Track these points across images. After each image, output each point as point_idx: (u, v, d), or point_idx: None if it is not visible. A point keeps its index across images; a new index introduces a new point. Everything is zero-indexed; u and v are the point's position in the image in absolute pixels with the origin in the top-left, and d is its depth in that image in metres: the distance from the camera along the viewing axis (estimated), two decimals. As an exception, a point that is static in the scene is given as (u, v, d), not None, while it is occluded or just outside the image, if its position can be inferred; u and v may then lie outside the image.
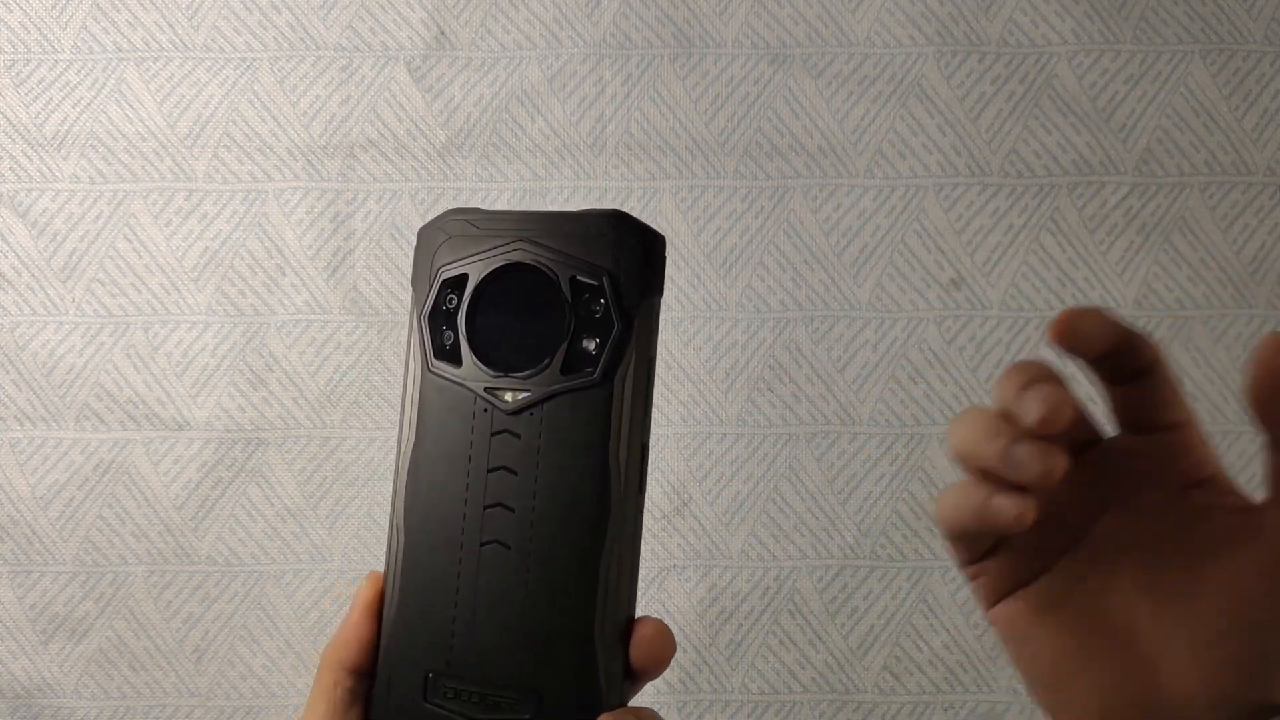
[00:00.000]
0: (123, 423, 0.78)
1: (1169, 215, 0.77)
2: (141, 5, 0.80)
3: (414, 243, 0.34)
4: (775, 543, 0.76)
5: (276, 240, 0.79)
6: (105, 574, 0.77)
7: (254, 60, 0.80)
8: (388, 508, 0.33)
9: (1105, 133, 0.77)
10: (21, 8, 0.81)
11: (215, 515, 0.77)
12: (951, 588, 0.75)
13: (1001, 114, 0.78)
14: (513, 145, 0.79)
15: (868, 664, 0.75)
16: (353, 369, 0.78)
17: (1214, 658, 0.26)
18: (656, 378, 0.76)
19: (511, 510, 0.31)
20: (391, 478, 0.33)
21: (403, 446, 0.32)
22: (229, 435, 0.77)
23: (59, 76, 0.80)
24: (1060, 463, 0.25)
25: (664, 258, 0.32)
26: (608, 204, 0.77)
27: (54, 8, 0.81)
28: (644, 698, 0.74)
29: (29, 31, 0.80)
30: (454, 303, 0.32)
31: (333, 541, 0.77)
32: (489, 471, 0.31)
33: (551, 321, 0.31)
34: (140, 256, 0.79)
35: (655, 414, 0.76)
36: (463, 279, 0.32)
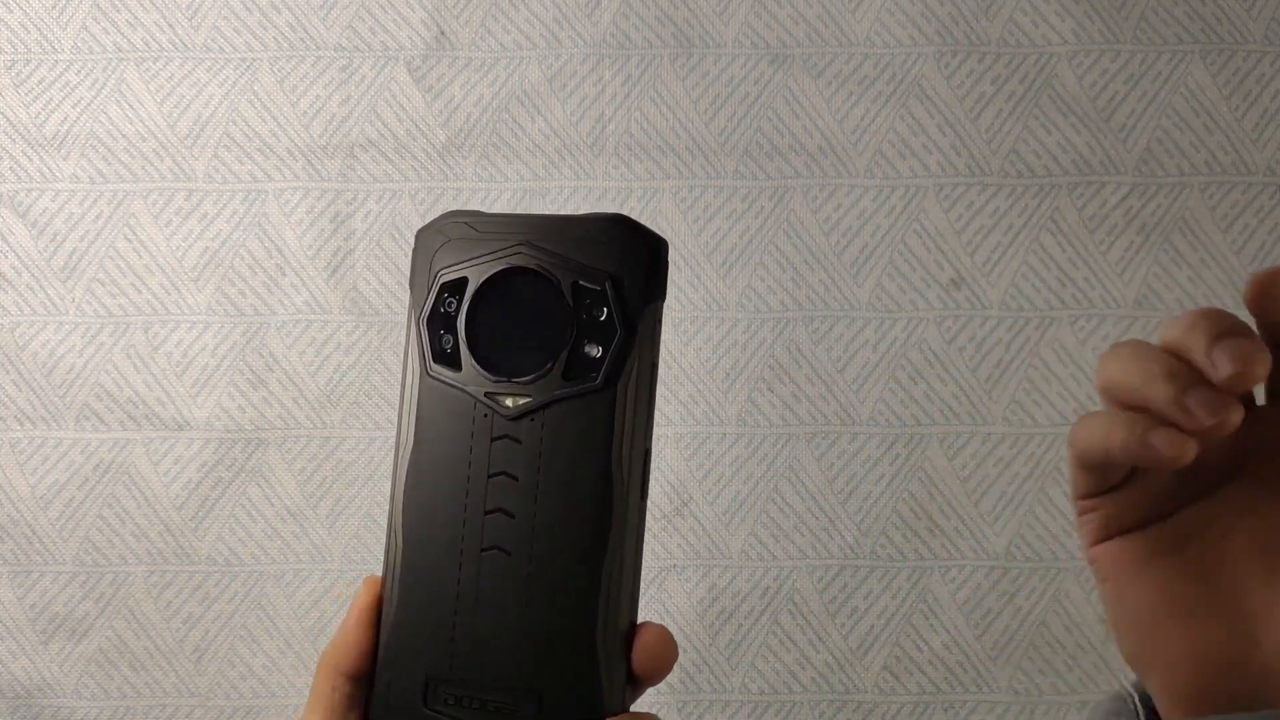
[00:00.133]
0: (123, 423, 0.78)
1: (1169, 215, 0.77)
2: (141, 5, 0.80)
3: (414, 243, 0.33)
4: (775, 543, 0.76)
5: (276, 240, 0.79)
6: (105, 574, 0.77)
7: (254, 60, 0.80)
8: (387, 512, 0.33)
9: (1105, 133, 0.77)
10: (21, 8, 0.80)
11: (215, 515, 0.77)
12: (951, 588, 0.75)
13: (1001, 114, 0.78)
14: (513, 145, 0.79)
15: (868, 664, 0.75)
16: (353, 369, 0.78)
17: None
18: (659, 373, 0.76)
19: (512, 516, 0.30)
20: (390, 483, 0.33)
21: (401, 450, 0.32)
22: (229, 435, 0.77)
23: (59, 76, 0.80)
24: (1236, 416, 0.25)
25: (667, 263, 0.32)
26: (608, 205, 0.77)
27: (54, 8, 0.80)
28: (645, 698, 0.74)
29: (29, 31, 0.80)
30: (454, 306, 0.32)
31: (333, 541, 0.77)
32: (489, 477, 0.31)
33: (553, 327, 0.31)
34: (140, 256, 0.79)
35: (655, 414, 0.76)
36: (462, 282, 0.32)
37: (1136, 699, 0.31)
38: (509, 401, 0.31)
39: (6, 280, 0.79)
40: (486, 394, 0.31)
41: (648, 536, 0.76)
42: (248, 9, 0.80)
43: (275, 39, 0.80)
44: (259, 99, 0.80)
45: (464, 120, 0.79)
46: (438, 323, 0.32)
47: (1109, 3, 0.78)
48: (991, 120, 0.78)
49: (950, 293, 0.77)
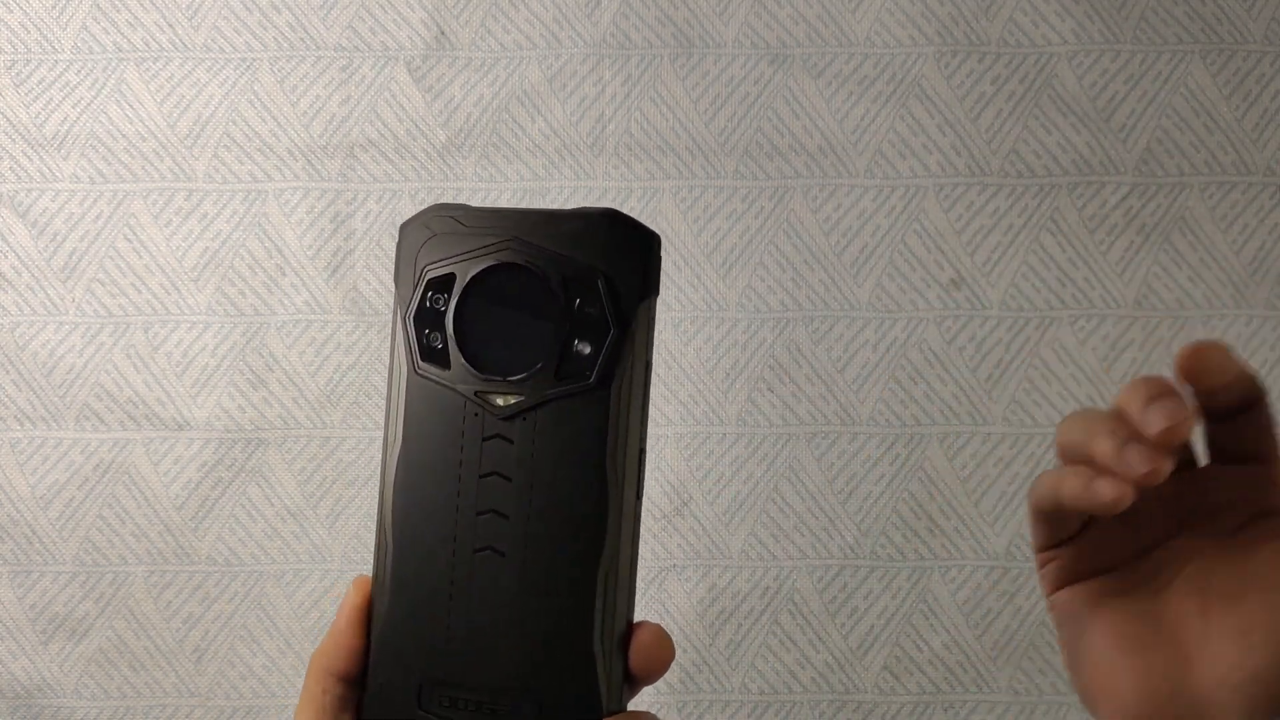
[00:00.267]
0: (123, 423, 0.78)
1: (1169, 215, 0.77)
2: (141, 5, 0.80)
3: (398, 237, 0.32)
4: (775, 543, 0.76)
5: (276, 240, 0.79)
6: (105, 574, 0.77)
7: (254, 60, 0.80)
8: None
9: (1105, 133, 0.77)
10: (21, 8, 0.81)
11: (215, 515, 0.77)
12: (951, 588, 0.75)
13: (1001, 114, 0.78)
14: (513, 145, 0.79)
15: (868, 664, 0.75)
16: (353, 369, 0.78)
17: (1249, 647, 0.29)
18: (657, 378, 0.76)
19: (506, 517, 0.30)
20: (379, 483, 0.33)
21: (389, 450, 0.31)
22: (229, 435, 0.77)
23: (59, 76, 0.80)
24: (1166, 466, 0.28)
25: (660, 258, 0.31)
26: (607, 204, 0.77)
27: (54, 8, 0.81)
28: (644, 697, 0.74)
29: (29, 31, 0.80)
30: (441, 303, 0.31)
31: (333, 541, 0.77)
32: (481, 477, 0.30)
33: (544, 324, 0.30)
34: (140, 256, 0.79)
35: (655, 414, 0.76)
36: (449, 279, 0.31)
37: None
38: (500, 400, 0.31)
39: (6, 280, 0.79)
40: (476, 393, 0.31)
41: (648, 536, 0.76)
42: (248, 9, 0.80)
43: (275, 39, 0.80)
44: (259, 99, 0.80)
45: (464, 120, 0.79)
46: (425, 320, 0.31)
47: (1109, 3, 0.78)
48: (991, 120, 0.78)
49: (950, 293, 0.77)
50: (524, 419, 0.30)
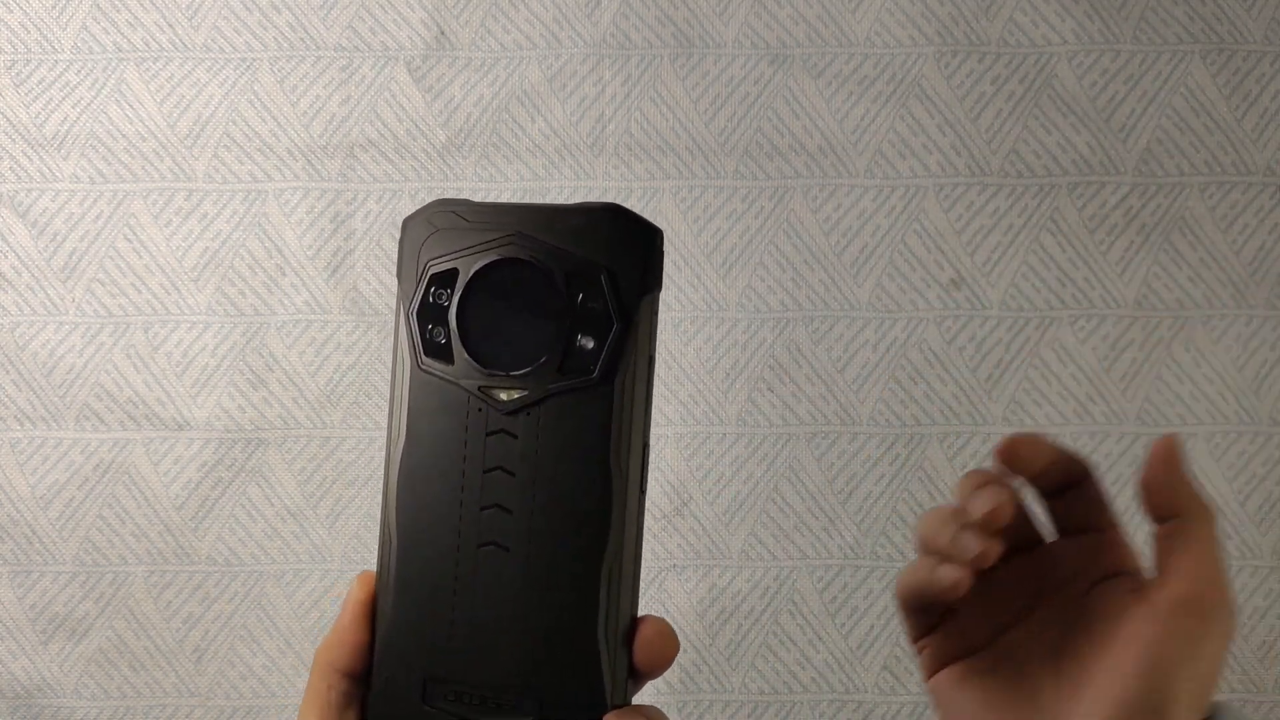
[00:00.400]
0: (123, 423, 0.78)
1: (1169, 215, 0.77)
2: (141, 5, 0.80)
3: (400, 233, 0.32)
4: (775, 543, 0.76)
5: (276, 240, 0.79)
6: (105, 574, 0.77)
7: (254, 60, 0.80)
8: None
9: (1105, 133, 0.77)
10: (21, 8, 0.81)
11: (215, 515, 0.77)
12: (951, 588, 0.75)
13: (1001, 114, 0.78)
14: (513, 145, 0.79)
15: (868, 664, 0.75)
16: (353, 369, 0.78)
17: (1101, 710, 0.31)
18: (657, 378, 0.76)
19: (510, 512, 0.30)
20: (382, 479, 0.33)
21: (393, 446, 0.31)
22: (229, 435, 0.77)
23: (59, 76, 0.80)
24: (995, 548, 0.31)
25: (662, 252, 0.31)
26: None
27: (54, 8, 0.81)
28: (643, 697, 0.74)
29: (29, 31, 0.80)
30: (444, 298, 0.31)
31: (333, 541, 0.77)
32: (485, 472, 0.30)
33: (548, 319, 0.30)
34: (140, 256, 0.79)
35: (655, 414, 0.76)
36: (453, 274, 0.31)
37: None
38: (503, 395, 0.30)
39: (6, 280, 0.79)
40: (480, 388, 0.31)
41: (647, 536, 0.76)
42: (248, 9, 0.80)
43: (275, 39, 0.80)
44: (259, 99, 0.80)
45: (464, 120, 0.79)
46: (428, 315, 0.31)
47: (1109, 3, 0.78)
48: (991, 120, 0.78)
49: (950, 293, 0.77)
50: (527, 414, 0.30)
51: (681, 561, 0.76)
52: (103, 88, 0.80)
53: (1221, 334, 0.76)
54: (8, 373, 0.78)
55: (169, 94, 0.80)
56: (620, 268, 0.30)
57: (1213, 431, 0.75)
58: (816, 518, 0.76)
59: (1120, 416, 0.75)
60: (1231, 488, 0.75)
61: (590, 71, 0.79)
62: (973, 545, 0.31)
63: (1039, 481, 0.34)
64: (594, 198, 0.78)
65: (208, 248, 0.79)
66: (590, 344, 0.30)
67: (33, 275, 0.79)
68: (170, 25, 0.80)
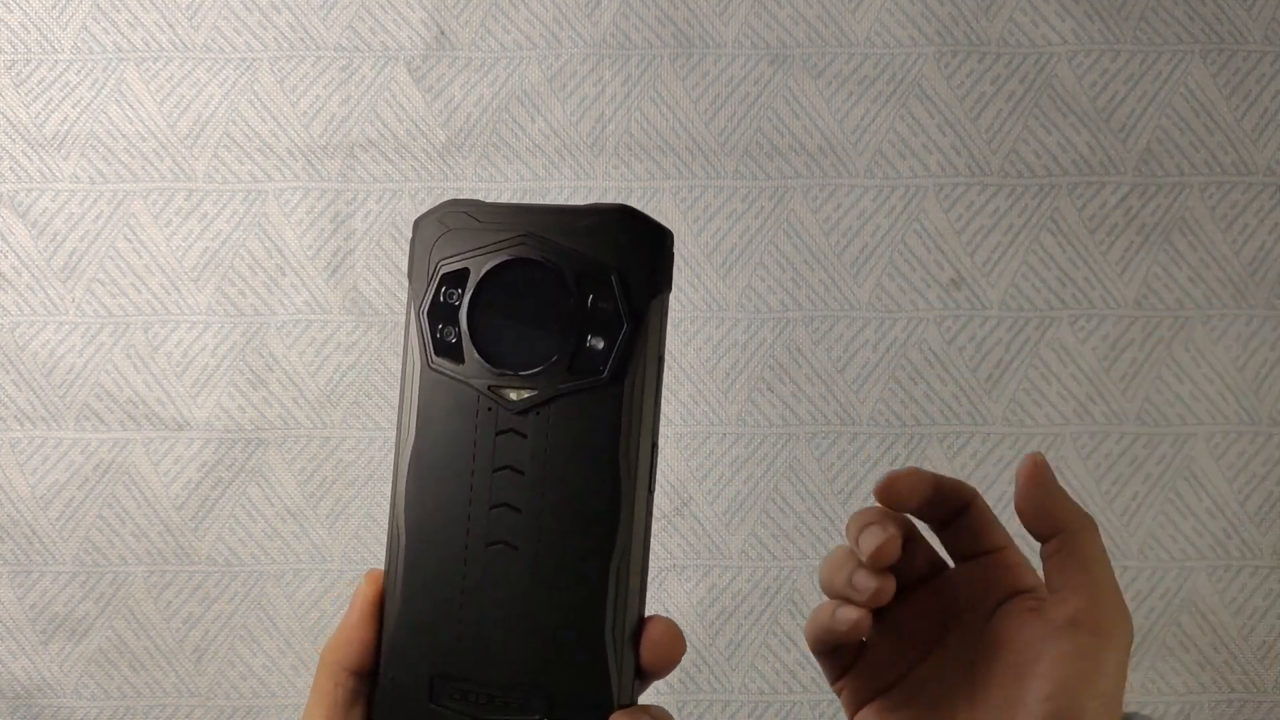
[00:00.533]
0: (123, 423, 0.78)
1: (1169, 215, 0.77)
2: (141, 5, 0.80)
3: (412, 233, 0.33)
4: (775, 543, 0.76)
5: (276, 240, 0.79)
6: (105, 574, 0.77)
7: (254, 60, 0.80)
8: (388, 507, 0.32)
9: (1105, 133, 0.77)
10: (21, 8, 0.81)
11: (215, 515, 0.77)
12: (951, 588, 0.75)
13: (1001, 114, 0.78)
14: (513, 145, 0.79)
15: (868, 664, 0.75)
16: (353, 369, 0.78)
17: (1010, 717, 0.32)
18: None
19: (518, 511, 0.30)
20: (391, 477, 0.33)
21: (402, 444, 0.31)
22: (229, 435, 0.77)
23: (59, 76, 0.80)
24: (888, 586, 0.32)
25: (672, 253, 0.31)
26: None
27: (54, 8, 0.81)
28: (644, 696, 0.74)
29: (29, 31, 0.80)
30: (455, 298, 0.31)
31: (333, 541, 0.77)
32: (494, 471, 0.30)
33: (558, 319, 0.30)
34: (140, 256, 0.79)
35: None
36: (464, 274, 0.31)
37: None
38: (513, 395, 0.31)
39: (6, 280, 0.79)
40: (490, 387, 0.31)
41: (648, 536, 0.76)
42: (248, 9, 0.80)
43: (275, 39, 0.80)
44: (259, 99, 0.80)
45: (464, 120, 0.79)
46: (439, 314, 0.31)
47: (1109, 3, 0.78)
48: (991, 120, 0.78)
49: (950, 293, 0.77)
50: (537, 413, 0.30)
51: (681, 561, 0.76)
52: (103, 88, 0.80)
53: (1221, 334, 0.76)
54: (8, 373, 0.78)
55: (169, 94, 0.80)
56: (630, 269, 0.30)
57: (1213, 431, 0.75)
58: (816, 518, 0.76)
59: (1120, 416, 0.75)
60: (1231, 488, 0.75)
61: (590, 71, 0.79)
62: (867, 584, 0.32)
63: (925, 514, 0.35)
64: (594, 198, 0.78)
65: (208, 248, 0.79)
66: (600, 344, 0.30)
67: (33, 275, 0.79)
68: (170, 25, 0.80)
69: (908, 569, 0.35)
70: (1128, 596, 0.74)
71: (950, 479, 0.34)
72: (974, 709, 0.33)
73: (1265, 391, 0.75)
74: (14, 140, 0.80)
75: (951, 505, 0.34)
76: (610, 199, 0.78)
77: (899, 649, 0.35)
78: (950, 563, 0.36)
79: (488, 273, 0.31)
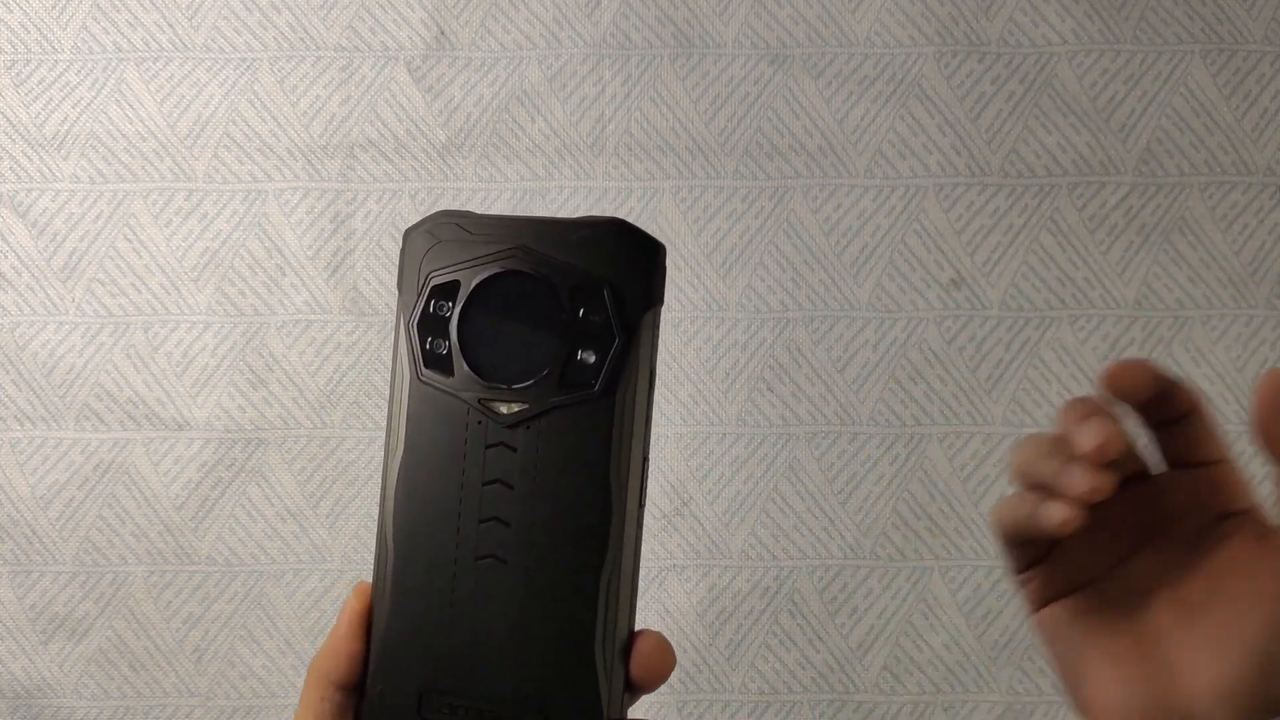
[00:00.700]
0: (123, 423, 0.78)
1: (1169, 215, 0.77)
2: (141, 5, 0.80)
3: (401, 244, 0.33)
4: (775, 543, 0.76)
5: (276, 240, 0.79)
6: (105, 574, 0.77)
7: (254, 60, 0.80)
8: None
9: (1105, 133, 0.77)
10: (21, 8, 0.80)
11: (215, 515, 0.77)
12: (952, 587, 0.75)
13: (1001, 114, 0.78)
14: (513, 145, 0.79)
15: (868, 664, 0.75)
16: (353, 369, 0.78)
17: (1226, 657, 0.30)
18: (657, 379, 0.76)
19: (508, 525, 0.30)
20: (380, 490, 0.33)
21: (391, 457, 0.31)
22: (229, 435, 0.77)
23: (59, 76, 0.80)
24: (1106, 483, 0.29)
25: (665, 268, 0.31)
26: (608, 205, 0.77)
27: (54, 8, 0.80)
28: (644, 698, 0.74)
29: (29, 31, 0.80)
30: (446, 310, 0.31)
31: (333, 541, 0.77)
32: (484, 485, 0.30)
33: (549, 332, 0.30)
34: (140, 256, 0.79)
35: (655, 414, 0.76)
36: (454, 286, 0.31)
37: None
38: (504, 408, 0.30)
39: (6, 280, 0.79)
40: (480, 400, 0.31)
41: (648, 536, 0.76)
42: (248, 9, 0.80)
43: (275, 39, 0.80)
44: (259, 99, 0.80)
45: (464, 120, 0.79)
46: (429, 327, 0.31)
47: (1109, 3, 0.78)
48: (991, 120, 0.78)
49: (950, 293, 0.77)
50: (527, 427, 0.30)
51: (681, 561, 0.76)
52: (103, 88, 0.80)
53: (1221, 334, 0.76)
54: (8, 373, 0.78)
55: (169, 94, 0.80)
56: (623, 282, 0.30)
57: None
58: (816, 518, 0.76)
59: (1120, 416, 0.75)
60: (1231, 488, 0.75)
61: (590, 71, 0.79)
62: (1085, 480, 0.29)
63: (1146, 411, 0.32)
64: (594, 198, 0.78)
65: (208, 248, 0.79)
66: (592, 358, 0.30)
67: (33, 275, 0.79)
68: (170, 25, 0.80)
69: (1118, 467, 0.32)
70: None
71: (1178, 378, 0.31)
72: (1180, 626, 0.31)
73: (1265, 392, 0.75)
74: (14, 140, 0.80)
75: (1176, 407, 0.32)
76: (610, 199, 0.78)
77: (1097, 548, 0.33)
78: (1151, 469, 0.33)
79: (479, 285, 0.31)
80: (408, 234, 0.32)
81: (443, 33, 0.80)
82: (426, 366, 0.31)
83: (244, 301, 0.78)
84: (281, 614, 0.77)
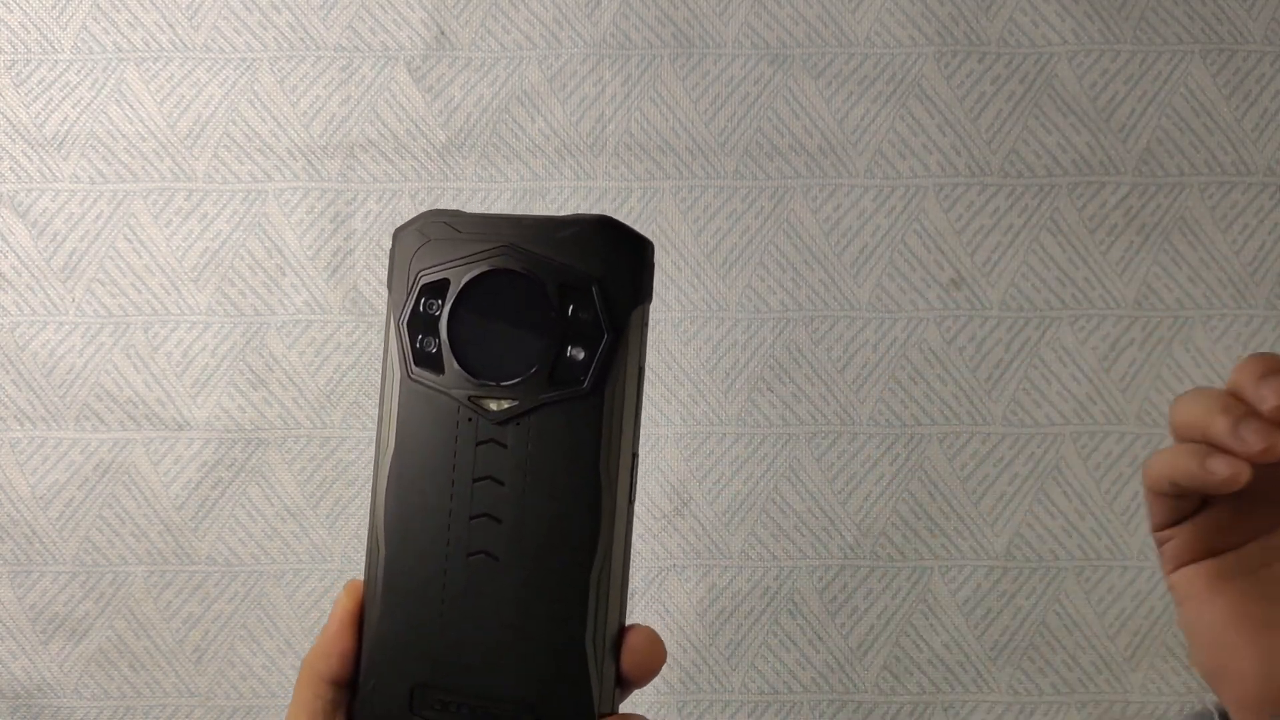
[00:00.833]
0: (123, 423, 0.78)
1: (1169, 215, 0.77)
2: (141, 5, 0.80)
3: (391, 243, 0.33)
4: (775, 543, 0.76)
5: (276, 240, 0.79)
6: (105, 574, 0.77)
7: (254, 60, 0.80)
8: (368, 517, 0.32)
9: (1105, 133, 0.77)
10: (21, 8, 0.81)
11: (215, 515, 0.77)
12: (952, 587, 0.75)
13: (1001, 114, 0.78)
14: (513, 145, 0.79)
15: (868, 664, 0.75)
16: (353, 369, 0.78)
17: None
18: (656, 378, 0.76)
19: (499, 521, 0.30)
20: (371, 488, 0.33)
21: (382, 455, 0.32)
22: (229, 435, 0.77)
23: (59, 76, 0.80)
24: None
25: (653, 264, 0.31)
26: (608, 205, 0.77)
27: (54, 8, 0.81)
28: (645, 696, 0.74)
29: (29, 31, 0.81)
30: (435, 308, 0.31)
31: (333, 541, 0.77)
32: (474, 481, 0.31)
33: (539, 330, 0.31)
34: (140, 256, 0.79)
35: (655, 414, 0.76)
36: (444, 284, 0.31)
37: (1217, 716, 0.34)
38: (493, 405, 0.31)
39: (6, 280, 0.79)
40: (470, 398, 0.31)
41: (648, 536, 0.76)
42: (248, 9, 0.80)
43: (275, 39, 0.80)
44: (259, 99, 0.80)
45: (464, 120, 0.79)
46: (419, 325, 0.32)
47: (1109, 3, 0.78)
48: (991, 120, 0.78)
49: (950, 293, 0.77)
50: (517, 424, 0.30)
51: (681, 561, 0.76)
52: (103, 88, 0.80)
53: (1221, 334, 0.76)
54: (8, 373, 0.78)
55: (169, 94, 0.80)
56: (611, 279, 0.31)
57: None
58: (816, 518, 0.76)
59: (1120, 416, 0.75)
60: (1231, 488, 0.75)
61: (590, 71, 0.79)
62: (1258, 438, 0.28)
63: None
64: (594, 198, 0.78)
65: (208, 248, 0.79)
66: (580, 355, 0.30)
67: (33, 275, 0.79)
68: (170, 25, 0.80)
69: None
70: (1128, 596, 0.74)
71: None
72: None
73: (1265, 392, 0.75)
74: (14, 140, 0.80)
75: None
76: (610, 199, 0.78)
77: (1246, 514, 0.32)
78: None
79: (468, 283, 0.31)
80: (397, 233, 0.32)
81: (443, 33, 0.80)
82: (417, 364, 0.31)
83: (244, 301, 0.78)
84: (281, 614, 0.77)
